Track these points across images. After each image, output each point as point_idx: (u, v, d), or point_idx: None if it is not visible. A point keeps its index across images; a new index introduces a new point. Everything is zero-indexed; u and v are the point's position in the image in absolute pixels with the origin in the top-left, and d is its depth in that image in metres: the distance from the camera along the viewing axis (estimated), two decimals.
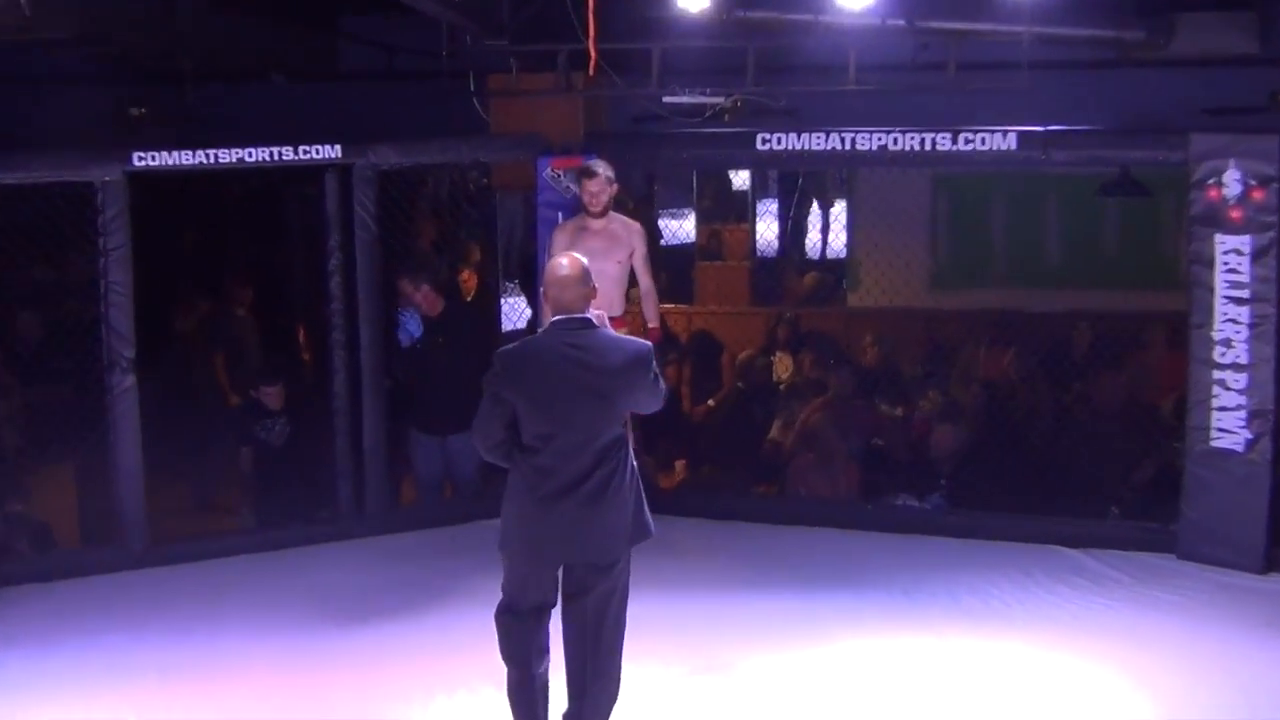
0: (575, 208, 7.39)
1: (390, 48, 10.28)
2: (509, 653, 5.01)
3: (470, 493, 7.95)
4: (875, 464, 8.19)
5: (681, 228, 11.60)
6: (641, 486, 4.99)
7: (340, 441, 7.62)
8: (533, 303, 8.68)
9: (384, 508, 7.73)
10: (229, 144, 7.32)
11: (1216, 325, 6.90)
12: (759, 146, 7.63)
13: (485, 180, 8.92)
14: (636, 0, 7.30)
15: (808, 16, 7.23)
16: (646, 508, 4.99)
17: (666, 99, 7.75)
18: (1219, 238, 6.87)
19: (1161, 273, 9.48)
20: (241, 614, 6.59)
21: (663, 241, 11.25)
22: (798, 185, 12.03)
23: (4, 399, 7.81)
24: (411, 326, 7.78)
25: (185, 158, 7.20)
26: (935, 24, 7.28)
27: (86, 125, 9.62)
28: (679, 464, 8.86)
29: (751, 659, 6.00)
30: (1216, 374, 6.91)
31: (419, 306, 7.82)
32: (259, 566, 7.24)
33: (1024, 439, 8.14)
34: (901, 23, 7.16)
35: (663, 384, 5.02)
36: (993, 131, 7.25)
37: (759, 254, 11.63)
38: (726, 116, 8.14)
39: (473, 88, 7.92)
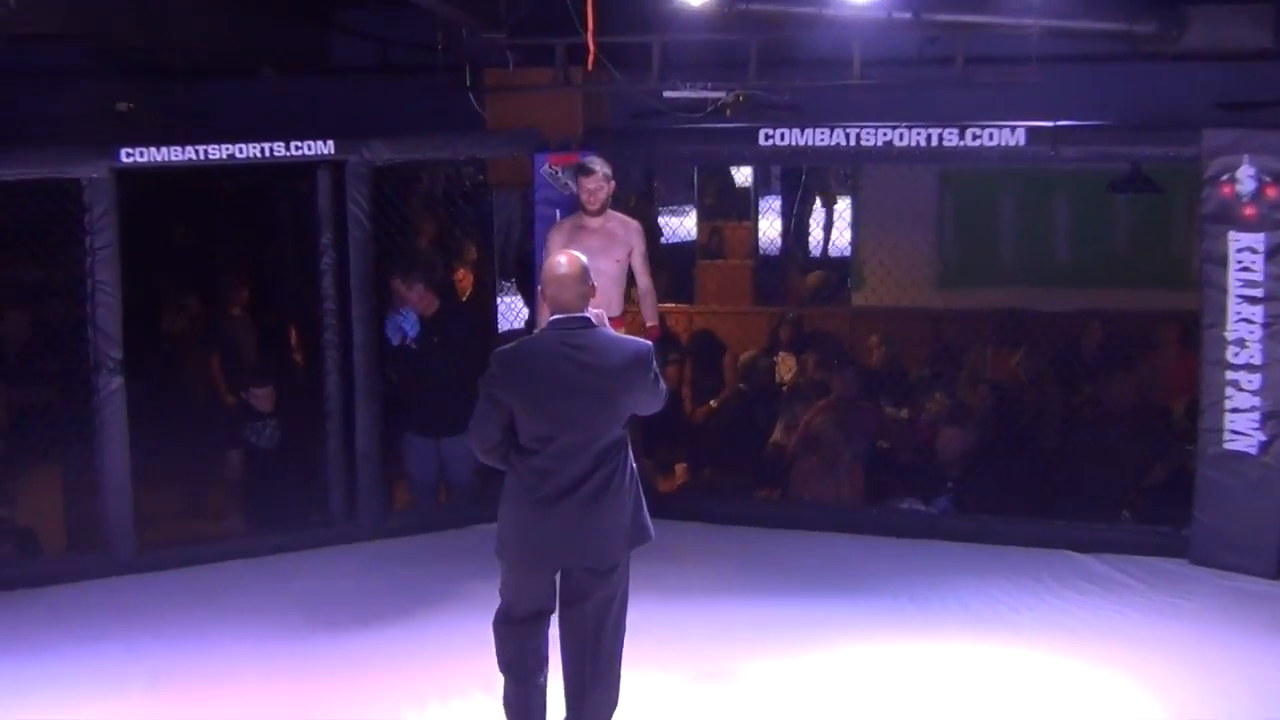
0: (573, 205, 7.40)
1: (384, 41, 10.30)
2: (506, 663, 5.02)
3: (465, 497, 7.95)
4: (880, 467, 8.20)
5: (682, 225, 11.60)
6: (641, 489, 5.00)
7: (332, 444, 7.62)
8: (529, 302, 8.68)
9: (377, 512, 7.73)
10: (219, 140, 7.32)
11: (1230, 325, 6.91)
12: (762, 142, 7.64)
13: (481, 177, 8.93)
14: None
15: (811, 9, 7.23)
16: (646, 511, 5.00)
17: (667, 94, 7.75)
18: (1232, 235, 6.88)
19: (1173, 271, 9.48)
20: (231, 621, 6.59)
21: (663, 239, 11.27)
22: (801, 182, 12.03)
23: None
24: (408, 326, 7.77)
25: (174, 154, 7.19)
26: (942, 17, 7.27)
27: (73, 121, 9.62)
28: (679, 467, 8.86)
29: (754, 666, 6.00)
30: (1230, 375, 6.92)
31: (415, 306, 7.82)
32: (249, 572, 7.24)
33: (1033, 441, 8.14)
34: (908, 15, 7.16)
35: (664, 384, 5.04)
36: (1001, 127, 7.26)
37: (761, 252, 11.65)
38: (728, 112, 8.14)
39: (469, 82, 7.92)
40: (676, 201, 12.67)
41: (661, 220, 11.58)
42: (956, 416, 8.09)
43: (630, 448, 4.98)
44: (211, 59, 9.90)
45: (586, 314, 4.91)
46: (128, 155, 7.07)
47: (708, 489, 8.65)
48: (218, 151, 7.28)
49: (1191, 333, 7.43)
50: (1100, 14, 7.44)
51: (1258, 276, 6.84)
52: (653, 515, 5.04)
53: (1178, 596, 6.73)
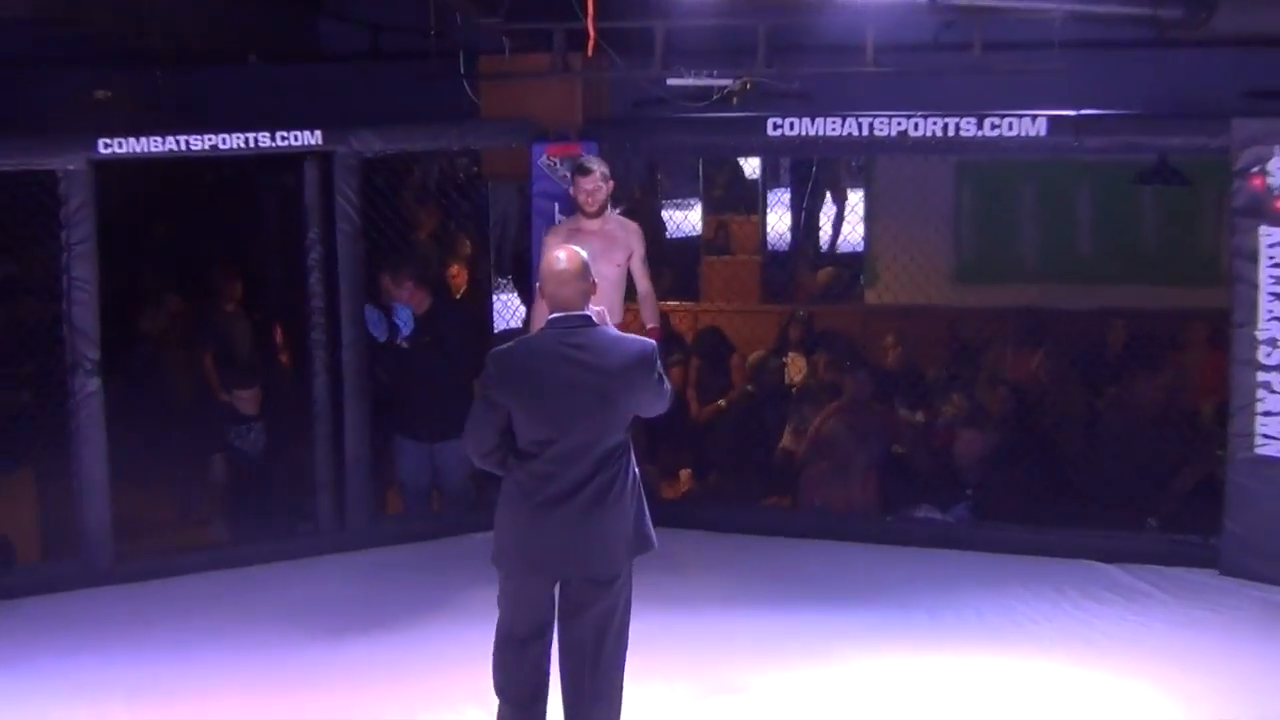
0: (571, 200, 7.41)
1: (374, 26, 10.30)
2: (504, 687, 5.04)
3: (460, 503, 7.97)
4: (895, 473, 8.20)
5: (687, 219, 11.62)
6: (643, 495, 5.01)
7: (320, 448, 7.63)
8: (526, 299, 8.69)
9: (367, 519, 7.74)
10: (201, 130, 7.32)
11: (1261, 323, 6.92)
12: (770, 132, 7.65)
13: (476, 168, 8.94)
14: None
15: None
16: (649, 518, 5.01)
17: (671, 81, 7.76)
18: (1264, 230, 6.89)
19: (1201, 267, 9.50)
20: (213, 632, 6.61)
21: (667, 234, 11.29)
22: (812, 174, 12.04)
23: None
24: (401, 323, 7.78)
25: (154, 145, 7.19)
26: (959, 0, 7.30)
27: (48, 110, 9.63)
28: (684, 473, 8.88)
29: (762, 680, 6.01)
30: (1261, 376, 6.93)
31: (404, 304, 7.82)
32: (233, 582, 7.26)
33: (1054, 446, 8.15)
34: None
35: (668, 384, 5.05)
36: (1021, 116, 7.27)
37: (770, 247, 11.65)
38: (735, 100, 8.16)
39: (463, 69, 7.94)
40: (681, 194, 12.69)
41: (665, 214, 11.60)
42: (974, 420, 8.10)
43: (632, 452, 4.99)
44: (194, 45, 9.91)
45: (587, 312, 4.92)
46: (106, 146, 7.07)
47: (714, 496, 8.66)
48: (200, 142, 7.28)
49: (1221, 332, 7.44)
50: None
51: None
52: (656, 523, 5.05)
53: (1206, 608, 6.74)
